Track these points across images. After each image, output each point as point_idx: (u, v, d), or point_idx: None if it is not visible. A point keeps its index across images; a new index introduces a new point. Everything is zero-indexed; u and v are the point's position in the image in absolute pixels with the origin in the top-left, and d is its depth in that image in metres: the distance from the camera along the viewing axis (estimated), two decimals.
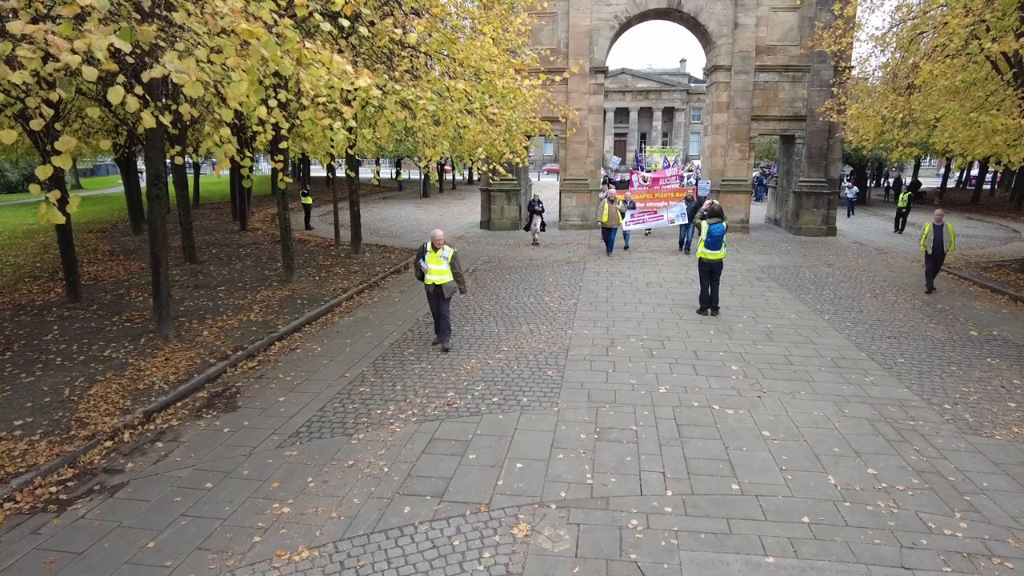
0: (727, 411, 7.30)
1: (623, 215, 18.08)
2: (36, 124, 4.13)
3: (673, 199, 18.96)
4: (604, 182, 27.12)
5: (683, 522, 5.14)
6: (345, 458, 6.24)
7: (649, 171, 27.97)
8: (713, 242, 11.23)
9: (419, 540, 4.93)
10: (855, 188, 30.65)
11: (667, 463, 6.10)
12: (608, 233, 17.74)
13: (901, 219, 23.88)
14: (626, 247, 18.74)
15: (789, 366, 8.83)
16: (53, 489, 5.70)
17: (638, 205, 19.11)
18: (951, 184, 46.00)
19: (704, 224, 11.34)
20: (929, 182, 50.25)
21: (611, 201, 17.22)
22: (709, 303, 11.51)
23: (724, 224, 11.46)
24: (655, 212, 18.78)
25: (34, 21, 4.46)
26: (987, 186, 40.54)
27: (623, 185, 25.56)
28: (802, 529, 5.03)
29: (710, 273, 11.38)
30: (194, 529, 5.10)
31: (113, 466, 6.14)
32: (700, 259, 11.49)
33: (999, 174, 40.19)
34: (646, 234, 21.67)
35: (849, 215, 29.22)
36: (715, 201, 12.14)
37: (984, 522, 5.15)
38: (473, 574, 4.53)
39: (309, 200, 23.95)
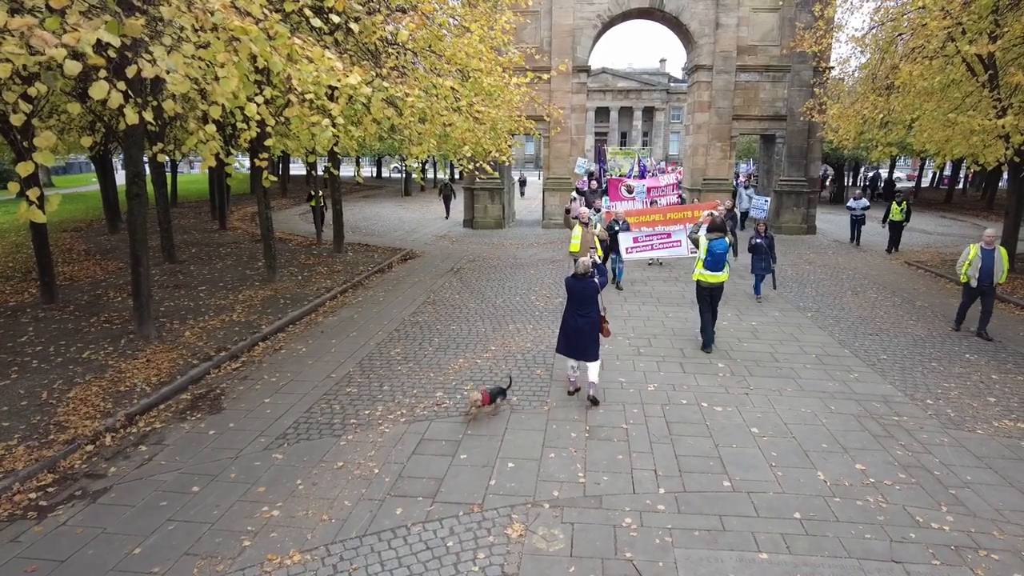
0: (716, 408, 7.34)
1: (607, 242, 12.31)
2: (16, 119, 4.00)
3: (690, 220, 12.60)
4: (574, 197, 20.00)
5: (676, 519, 5.15)
6: (334, 460, 6.16)
7: (622, 175, 24.50)
8: (714, 262, 9.33)
9: (412, 542, 4.88)
10: (865, 201, 19.96)
11: (658, 461, 6.12)
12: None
13: (895, 237, 18.55)
14: (618, 286, 13.39)
15: (775, 363, 8.92)
16: (33, 495, 5.54)
17: (643, 228, 13.11)
18: (924, 183, 46.90)
19: (703, 240, 9.44)
20: (899, 183, 51.17)
21: (585, 224, 11.78)
22: (711, 338, 9.46)
23: (728, 240, 9.53)
24: (668, 236, 12.70)
25: (12, 12, 4.32)
26: (959, 185, 41.39)
27: (589, 198, 19.47)
28: (794, 525, 5.07)
29: (710, 299, 9.48)
30: (181, 534, 4.99)
31: (95, 471, 5.99)
32: (698, 282, 9.53)
33: (972, 173, 41.05)
34: (654, 264, 15.90)
35: (855, 239, 19.94)
36: (715, 212, 10.56)
37: (970, 515, 5.24)
38: (468, 575, 4.50)
39: (318, 202, 20.88)
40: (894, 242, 18.63)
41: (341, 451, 6.33)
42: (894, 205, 18.48)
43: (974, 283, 10.01)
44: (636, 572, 4.53)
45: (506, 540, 4.89)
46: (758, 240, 12.29)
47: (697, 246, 9.63)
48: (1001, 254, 9.96)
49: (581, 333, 7.29)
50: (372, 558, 4.69)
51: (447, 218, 26.16)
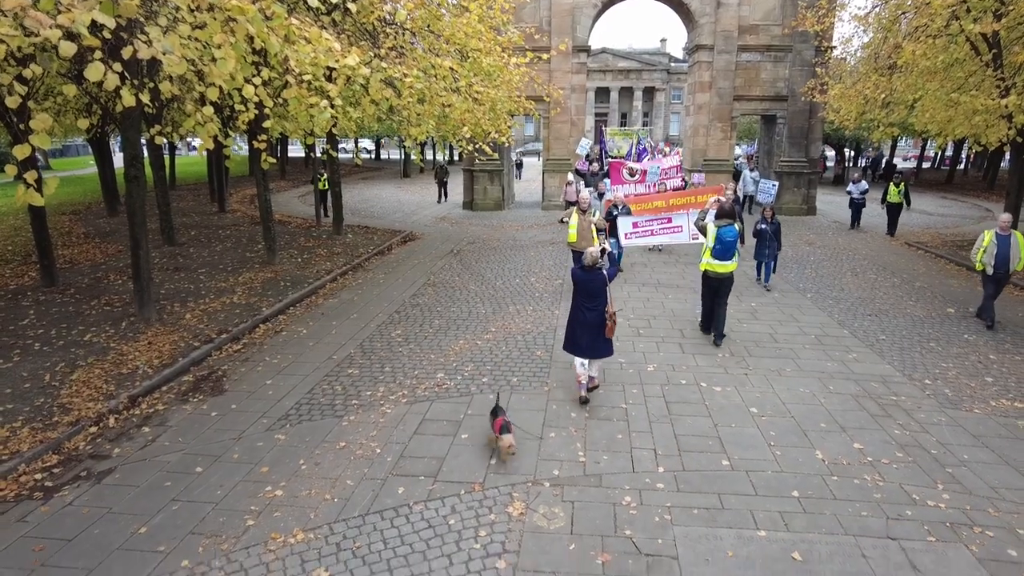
0: (715, 388, 7.39)
1: (606, 231, 10.38)
2: (12, 101, 3.98)
3: (693, 205, 11.71)
4: (570, 180, 19.06)
5: (676, 498, 5.21)
6: (336, 440, 6.21)
7: (621, 156, 23.74)
8: (723, 250, 8.76)
9: (414, 520, 4.94)
10: (864, 184, 19.19)
11: (658, 440, 6.17)
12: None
13: (894, 219, 18.22)
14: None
15: (774, 344, 8.96)
16: (38, 476, 5.60)
17: (645, 214, 12.09)
18: (925, 164, 46.65)
19: (711, 227, 8.85)
20: (900, 163, 50.93)
21: (583, 211, 10.66)
22: (712, 325, 9.14)
23: (737, 227, 8.93)
24: (669, 222, 11.91)
25: None
26: (960, 166, 41.21)
27: (591, 180, 18.37)
28: (792, 503, 5.13)
29: (716, 291, 8.97)
30: (186, 514, 5.05)
31: (99, 452, 6.05)
32: (704, 272, 9.04)
33: (973, 154, 40.84)
34: (654, 250, 15.48)
35: (855, 224, 19.31)
36: (722, 198, 10.02)
37: (965, 493, 5.30)
38: (470, 552, 4.56)
39: (324, 185, 19.46)
40: (892, 224, 18.32)
41: (343, 432, 6.38)
42: (891, 187, 18.15)
43: (990, 270, 9.55)
44: (636, 549, 4.59)
45: (507, 518, 4.95)
46: (763, 226, 11.90)
47: (704, 234, 9.02)
48: (1018, 239, 9.43)
49: (588, 328, 6.83)
50: (375, 536, 4.76)
51: (441, 201, 25.80)
